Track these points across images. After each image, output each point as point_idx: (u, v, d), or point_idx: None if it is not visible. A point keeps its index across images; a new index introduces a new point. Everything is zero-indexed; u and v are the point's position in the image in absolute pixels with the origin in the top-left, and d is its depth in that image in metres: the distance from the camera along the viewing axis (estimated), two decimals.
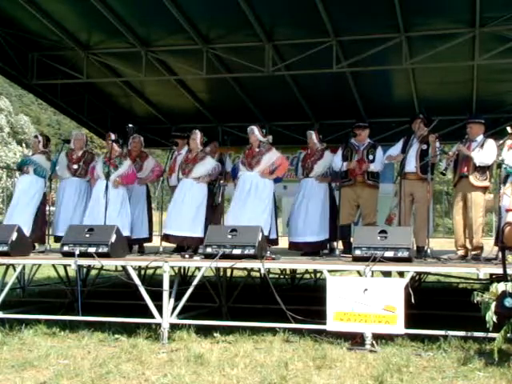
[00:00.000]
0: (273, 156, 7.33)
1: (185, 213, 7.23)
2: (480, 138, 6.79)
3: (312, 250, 7.37)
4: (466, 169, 6.71)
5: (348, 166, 7.26)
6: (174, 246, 7.59)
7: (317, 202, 7.51)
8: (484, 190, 6.73)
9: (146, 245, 8.30)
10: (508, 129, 6.76)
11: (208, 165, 7.43)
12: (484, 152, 6.63)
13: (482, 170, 6.66)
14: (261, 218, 7.02)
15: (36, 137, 8.47)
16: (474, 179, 6.65)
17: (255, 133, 7.35)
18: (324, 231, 7.48)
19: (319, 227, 7.45)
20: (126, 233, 7.32)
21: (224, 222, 7.63)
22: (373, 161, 7.29)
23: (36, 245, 7.75)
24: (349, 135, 7.58)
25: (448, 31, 7.73)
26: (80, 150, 8.22)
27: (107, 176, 7.41)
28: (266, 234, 7.05)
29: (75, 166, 8.09)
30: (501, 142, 6.80)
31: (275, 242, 7.45)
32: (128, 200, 7.72)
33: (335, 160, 7.46)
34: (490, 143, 6.70)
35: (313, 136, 7.75)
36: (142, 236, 8.14)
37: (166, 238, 7.34)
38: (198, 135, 7.52)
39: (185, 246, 7.23)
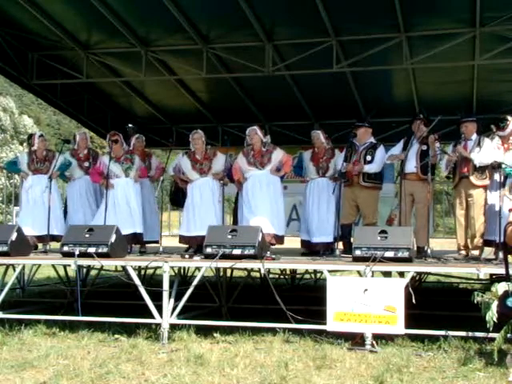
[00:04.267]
0: (279, 153, 7.42)
1: (212, 212, 7.31)
2: (474, 136, 6.82)
3: (330, 249, 7.47)
4: (466, 169, 6.72)
5: (344, 167, 7.26)
6: (176, 246, 7.60)
7: (329, 202, 7.54)
8: (484, 188, 6.76)
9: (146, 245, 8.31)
10: (492, 127, 6.82)
11: (222, 159, 7.52)
12: (482, 152, 6.65)
13: (481, 170, 6.70)
14: (281, 216, 7.28)
15: (42, 135, 8.40)
16: (475, 179, 6.68)
17: (258, 133, 7.40)
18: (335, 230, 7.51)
19: (333, 227, 7.47)
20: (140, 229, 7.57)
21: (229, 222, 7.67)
22: (371, 161, 7.26)
23: (40, 245, 7.77)
24: (349, 135, 7.57)
25: (448, 31, 7.72)
26: (85, 149, 8.24)
27: (126, 172, 7.56)
28: (282, 232, 7.31)
29: (86, 164, 8.13)
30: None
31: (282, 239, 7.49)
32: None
33: (338, 160, 7.50)
34: (487, 142, 6.73)
35: (321, 136, 7.78)
36: (155, 238, 8.12)
37: (188, 239, 7.38)
38: (202, 134, 7.56)
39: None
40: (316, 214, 7.61)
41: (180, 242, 7.54)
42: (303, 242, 7.85)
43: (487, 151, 6.66)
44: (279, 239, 7.21)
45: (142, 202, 7.89)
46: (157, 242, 8.04)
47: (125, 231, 6.95)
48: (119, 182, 7.55)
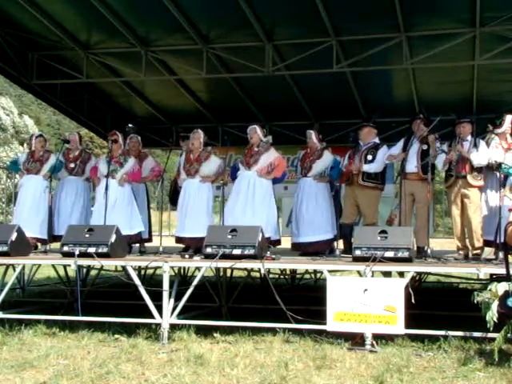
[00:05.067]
0: (271, 156, 7.30)
1: (195, 214, 7.23)
2: (469, 137, 6.83)
3: (314, 250, 7.31)
4: (464, 169, 6.71)
5: (344, 166, 7.31)
6: (176, 246, 7.59)
7: (316, 202, 7.47)
8: (479, 189, 6.76)
9: (145, 244, 8.32)
10: (489, 126, 6.85)
11: (214, 163, 7.42)
12: (480, 153, 6.66)
13: (477, 170, 6.71)
14: (260, 218, 6.99)
15: (41, 136, 8.41)
16: (472, 179, 6.68)
17: (258, 132, 7.35)
18: (325, 231, 7.43)
19: (319, 227, 7.42)
20: (138, 229, 7.57)
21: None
22: (371, 161, 7.25)
23: (39, 245, 7.78)
24: (349, 135, 7.58)
25: (448, 31, 7.73)
26: (76, 150, 8.27)
27: (112, 174, 7.47)
28: (267, 234, 7.05)
29: (72, 165, 8.17)
30: (485, 140, 6.91)
31: (278, 242, 7.43)
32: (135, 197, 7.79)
33: (343, 160, 7.53)
34: (483, 144, 6.75)
35: (312, 136, 7.72)
36: (144, 236, 8.18)
37: (179, 240, 7.37)
38: (201, 134, 7.50)
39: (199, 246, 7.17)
40: (303, 214, 7.50)
41: (175, 241, 7.55)
42: (292, 244, 7.71)
43: (484, 152, 6.67)
44: None
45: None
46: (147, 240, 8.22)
47: None
48: (105, 182, 7.51)
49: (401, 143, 7.29)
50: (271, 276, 8.20)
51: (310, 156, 7.65)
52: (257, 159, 7.24)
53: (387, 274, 6.38)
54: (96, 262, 6.29)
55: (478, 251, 6.70)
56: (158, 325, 5.70)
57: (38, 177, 7.83)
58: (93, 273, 8.76)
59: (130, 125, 9.22)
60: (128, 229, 7.47)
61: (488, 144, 6.84)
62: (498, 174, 6.66)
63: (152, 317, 5.73)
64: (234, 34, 8.30)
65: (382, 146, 7.36)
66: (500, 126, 6.85)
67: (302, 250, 7.44)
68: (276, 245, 7.33)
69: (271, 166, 7.29)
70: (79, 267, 6.43)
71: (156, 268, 7.22)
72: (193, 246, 7.10)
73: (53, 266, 8.31)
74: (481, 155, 6.65)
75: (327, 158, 7.60)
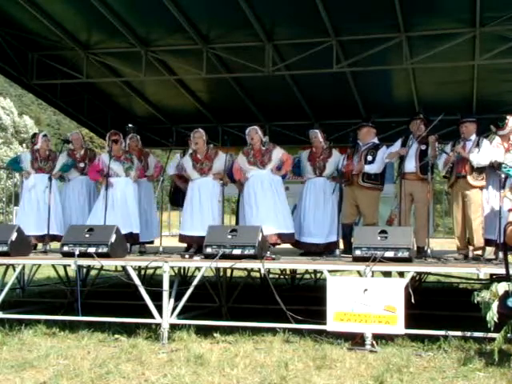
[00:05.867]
0: (279, 152, 7.37)
1: (211, 213, 7.25)
2: (473, 137, 6.81)
3: (325, 250, 7.35)
4: (463, 169, 6.70)
5: (344, 166, 7.31)
6: (176, 246, 7.60)
7: (332, 202, 7.50)
8: (481, 189, 6.75)
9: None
10: (492, 127, 6.84)
11: (223, 159, 7.46)
12: (481, 153, 6.64)
13: (478, 170, 6.69)
14: (284, 216, 7.15)
15: (46, 135, 8.40)
16: (472, 179, 6.66)
17: (259, 132, 7.37)
18: (335, 231, 7.42)
19: (332, 227, 7.43)
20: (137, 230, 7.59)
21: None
22: (372, 162, 7.26)
23: (40, 244, 7.78)
24: (349, 135, 7.57)
25: (448, 31, 7.72)
26: (81, 149, 8.29)
27: (128, 172, 7.61)
28: (290, 230, 7.18)
29: (82, 165, 8.21)
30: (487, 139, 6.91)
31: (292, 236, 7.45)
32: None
33: (336, 160, 7.52)
34: (486, 143, 6.73)
35: (318, 135, 7.73)
36: (151, 238, 8.21)
37: (187, 238, 7.35)
38: (203, 133, 7.51)
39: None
40: (312, 214, 7.54)
41: (179, 240, 7.52)
42: (296, 243, 7.67)
43: (486, 152, 6.66)
44: (287, 237, 7.15)
45: (141, 202, 7.96)
46: (153, 242, 8.18)
47: (122, 231, 6.95)
48: (119, 181, 7.57)
49: (398, 143, 7.29)
50: (271, 276, 8.20)
51: (320, 155, 7.66)
52: (270, 156, 7.29)
53: (387, 274, 6.37)
54: (96, 262, 6.30)
55: (479, 251, 6.69)
56: (158, 325, 5.70)
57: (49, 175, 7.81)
58: (93, 273, 8.77)
59: (130, 125, 9.23)
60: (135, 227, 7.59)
61: (489, 142, 6.82)
62: (498, 173, 6.64)
63: (152, 317, 5.73)
64: (234, 34, 8.30)
65: (381, 147, 7.37)
66: (503, 128, 6.80)
67: (313, 249, 7.42)
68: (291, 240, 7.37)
69: (280, 161, 7.35)
70: (79, 267, 6.44)
71: (156, 268, 7.21)
72: None
73: (53, 266, 8.31)
74: (481, 155, 6.63)
75: (336, 156, 7.64)
